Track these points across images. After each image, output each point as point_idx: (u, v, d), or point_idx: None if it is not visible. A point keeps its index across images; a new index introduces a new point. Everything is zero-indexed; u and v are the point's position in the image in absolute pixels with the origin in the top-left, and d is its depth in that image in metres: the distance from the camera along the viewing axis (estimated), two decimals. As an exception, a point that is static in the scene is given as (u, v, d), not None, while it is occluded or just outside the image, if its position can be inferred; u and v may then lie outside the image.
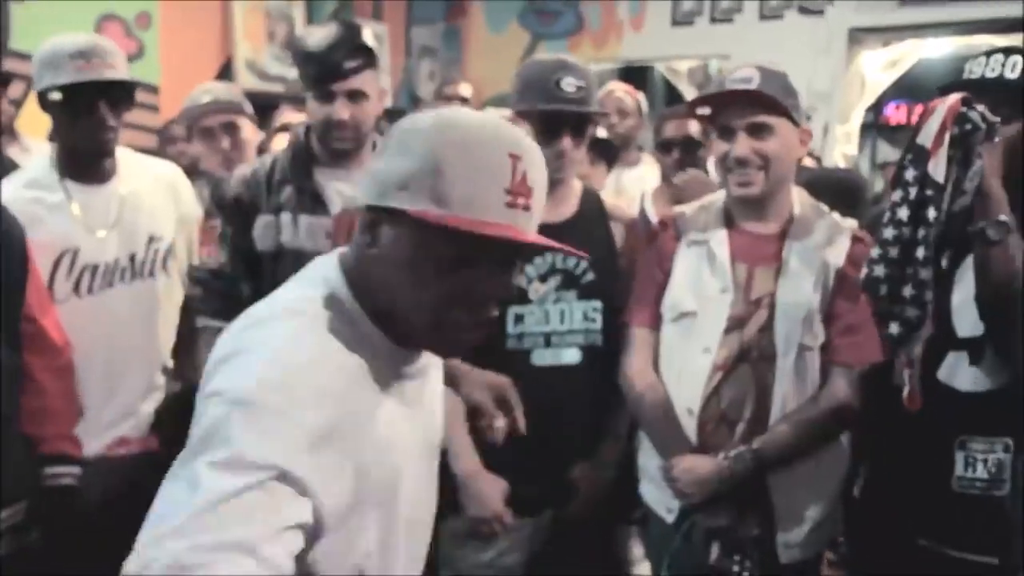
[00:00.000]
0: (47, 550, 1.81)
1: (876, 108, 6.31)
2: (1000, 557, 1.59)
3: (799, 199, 1.79)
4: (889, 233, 1.49)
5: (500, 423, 1.22)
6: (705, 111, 1.78)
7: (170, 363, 2.12)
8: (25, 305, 1.78)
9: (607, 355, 1.86)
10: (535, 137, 1.56)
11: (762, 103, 1.66)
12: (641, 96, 3.56)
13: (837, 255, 1.72)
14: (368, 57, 1.84)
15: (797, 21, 4.45)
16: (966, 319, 1.60)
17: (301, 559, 0.86)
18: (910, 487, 1.69)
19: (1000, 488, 1.60)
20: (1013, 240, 1.47)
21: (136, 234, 2.02)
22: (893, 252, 1.49)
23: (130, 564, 0.77)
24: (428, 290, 0.92)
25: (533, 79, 1.78)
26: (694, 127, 2.55)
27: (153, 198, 2.07)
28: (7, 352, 1.73)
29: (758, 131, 1.67)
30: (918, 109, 1.56)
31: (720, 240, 1.76)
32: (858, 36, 4.40)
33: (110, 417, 2.00)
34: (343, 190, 1.89)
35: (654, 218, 2.41)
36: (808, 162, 2.89)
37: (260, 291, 1.82)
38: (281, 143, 2.51)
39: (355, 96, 1.84)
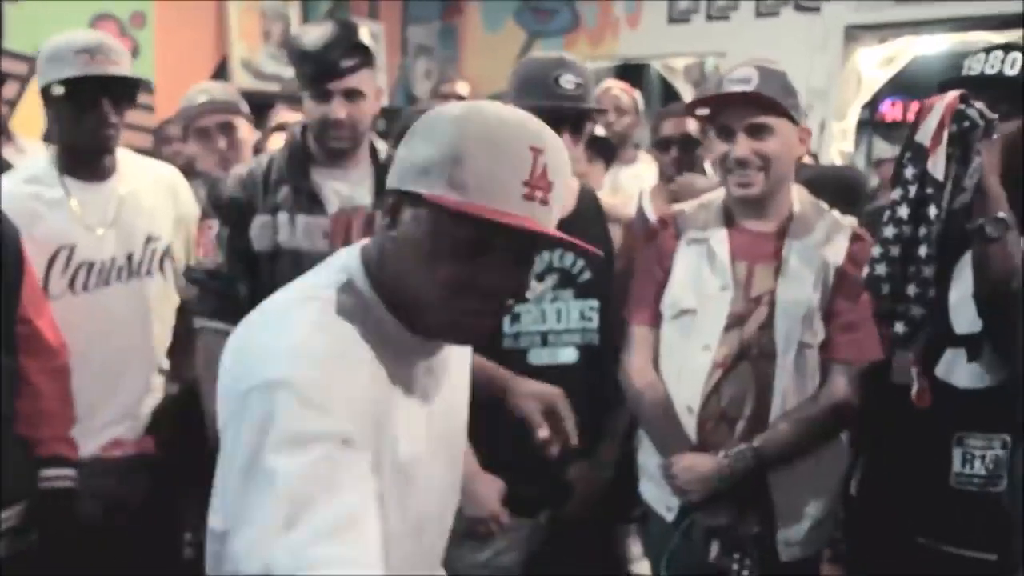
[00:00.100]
0: (45, 552, 1.81)
1: (872, 105, 6.31)
2: (998, 553, 1.59)
3: (799, 197, 1.79)
4: (890, 232, 1.49)
5: (544, 433, 1.20)
6: (704, 111, 1.77)
7: (166, 364, 2.11)
8: (20, 306, 1.77)
9: (604, 354, 1.86)
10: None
11: (761, 104, 1.65)
12: (637, 94, 3.56)
13: (837, 253, 1.72)
14: (365, 56, 1.84)
15: (793, 18, 4.45)
16: (964, 316, 1.60)
17: None
18: (908, 484, 1.69)
19: (998, 484, 1.60)
20: (1011, 237, 1.47)
21: (134, 234, 2.01)
22: (894, 251, 1.49)
23: (248, 565, 0.79)
24: (440, 274, 0.93)
25: (532, 76, 1.78)
26: (692, 125, 2.56)
27: (152, 199, 2.06)
28: (3, 354, 1.72)
29: (758, 132, 1.67)
30: (914, 106, 1.57)
31: (720, 238, 1.76)
32: (854, 33, 4.40)
33: (105, 418, 1.99)
34: (340, 189, 1.89)
35: (652, 216, 2.41)
36: (804, 159, 2.89)
37: (257, 291, 1.84)
38: (277, 143, 2.50)
39: (352, 95, 1.83)
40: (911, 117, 1.49)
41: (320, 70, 1.81)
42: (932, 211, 1.45)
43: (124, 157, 2.06)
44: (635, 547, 2.37)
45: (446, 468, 1.11)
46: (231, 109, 2.54)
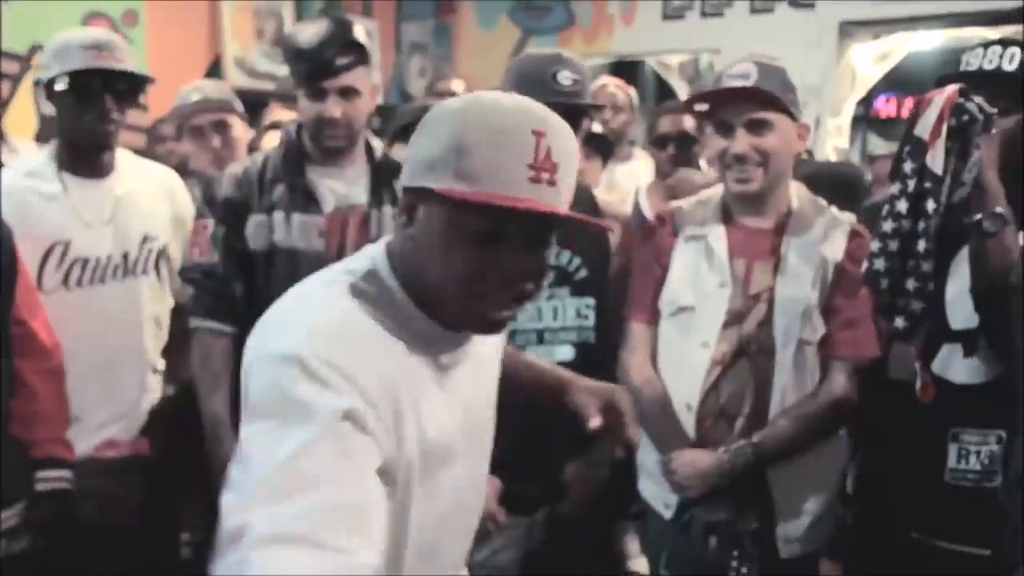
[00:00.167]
0: (43, 553, 1.80)
1: (867, 101, 6.31)
2: (992, 549, 1.59)
3: (797, 193, 1.78)
4: (888, 226, 1.49)
5: (596, 423, 1.20)
6: (703, 107, 1.77)
7: (161, 364, 2.10)
8: (14, 307, 1.76)
9: (601, 352, 1.85)
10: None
11: (760, 99, 1.65)
12: (633, 91, 3.56)
13: (835, 249, 1.71)
14: (360, 54, 1.83)
15: (788, 15, 4.44)
16: (960, 311, 1.60)
17: None
18: (903, 479, 1.70)
19: (992, 480, 1.60)
20: (1009, 232, 1.47)
21: (130, 233, 2.01)
22: (893, 245, 1.49)
23: (225, 527, 0.80)
24: (458, 265, 0.94)
25: (529, 73, 1.77)
26: (689, 122, 2.55)
27: (149, 199, 2.06)
28: (-1, 355, 1.72)
29: (757, 127, 1.66)
30: (908, 102, 1.57)
31: (718, 235, 1.75)
32: (848, 29, 4.40)
33: (100, 418, 1.97)
34: (336, 188, 1.88)
35: (649, 213, 2.40)
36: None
37: (253, 291, 1.83)
38: (271, 141, 2.49)
39: (347, 93, 1.82)
40: (905, 113, 1.50)
41: (315, 68, 1.80)
42: (931, 205, 1.45)
43: (123, 157, 2.05)
44: (633, 544, 2.37)
45: (471, 462, 1.10)
46: (225, 107, 2.53)
